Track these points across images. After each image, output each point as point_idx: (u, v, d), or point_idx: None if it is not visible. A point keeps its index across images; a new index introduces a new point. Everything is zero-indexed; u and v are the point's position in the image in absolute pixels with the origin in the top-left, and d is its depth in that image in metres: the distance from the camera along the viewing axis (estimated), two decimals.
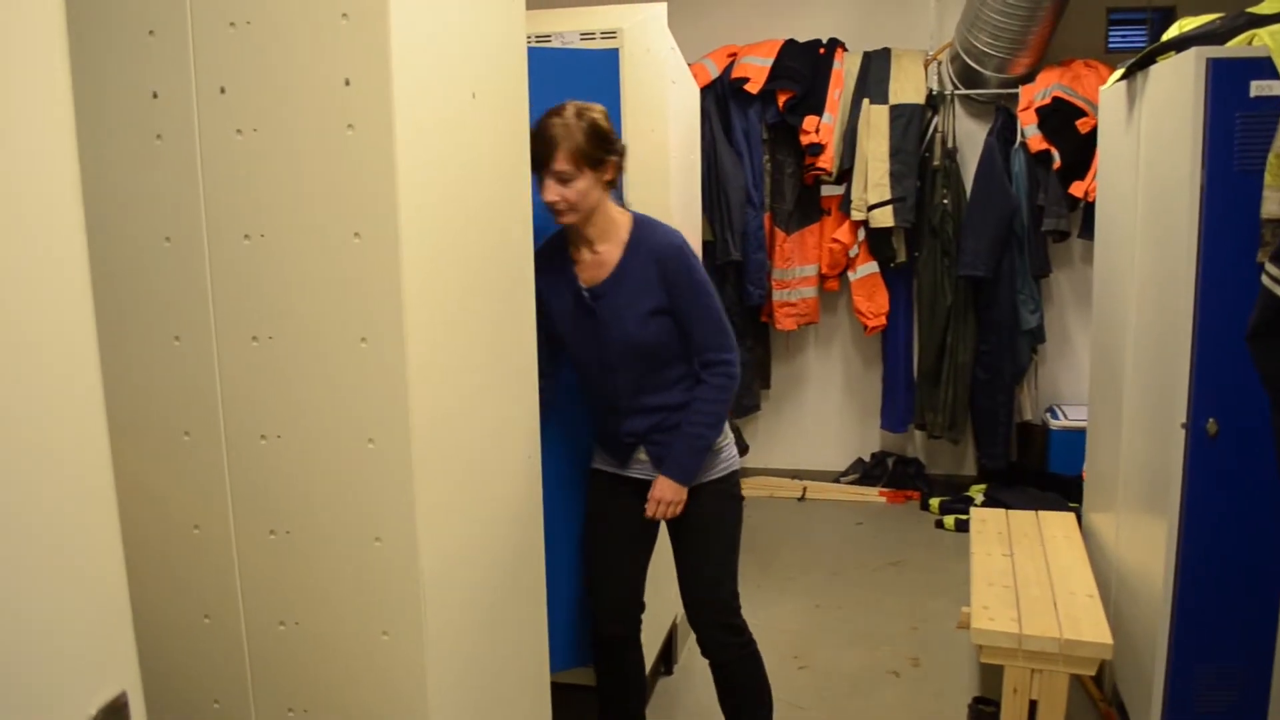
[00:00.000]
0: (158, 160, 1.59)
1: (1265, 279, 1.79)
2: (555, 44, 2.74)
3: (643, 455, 2.57)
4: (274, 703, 1.72)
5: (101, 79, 1.57)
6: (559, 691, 2.48)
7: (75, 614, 0.98)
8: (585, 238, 2.43)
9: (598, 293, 2.43)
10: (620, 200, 2.54)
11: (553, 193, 2.31)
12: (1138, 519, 3.04)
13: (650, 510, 2.50)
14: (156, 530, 1.71)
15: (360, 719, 1.69)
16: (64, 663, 0.96)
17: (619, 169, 2.43)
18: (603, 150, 2.33)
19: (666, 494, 2.48)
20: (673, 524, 2.63)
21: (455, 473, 1.75)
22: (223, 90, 1.55)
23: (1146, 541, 2.90)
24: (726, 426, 2.61)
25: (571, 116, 2.31)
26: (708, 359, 2.45)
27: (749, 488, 5.65)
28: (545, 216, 2.38)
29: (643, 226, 2.46)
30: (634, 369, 2.46)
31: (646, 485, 2.56)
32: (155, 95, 1.57)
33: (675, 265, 2.41)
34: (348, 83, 1.50)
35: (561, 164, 2.28)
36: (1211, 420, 2.59)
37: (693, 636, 2.84)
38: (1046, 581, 3.15)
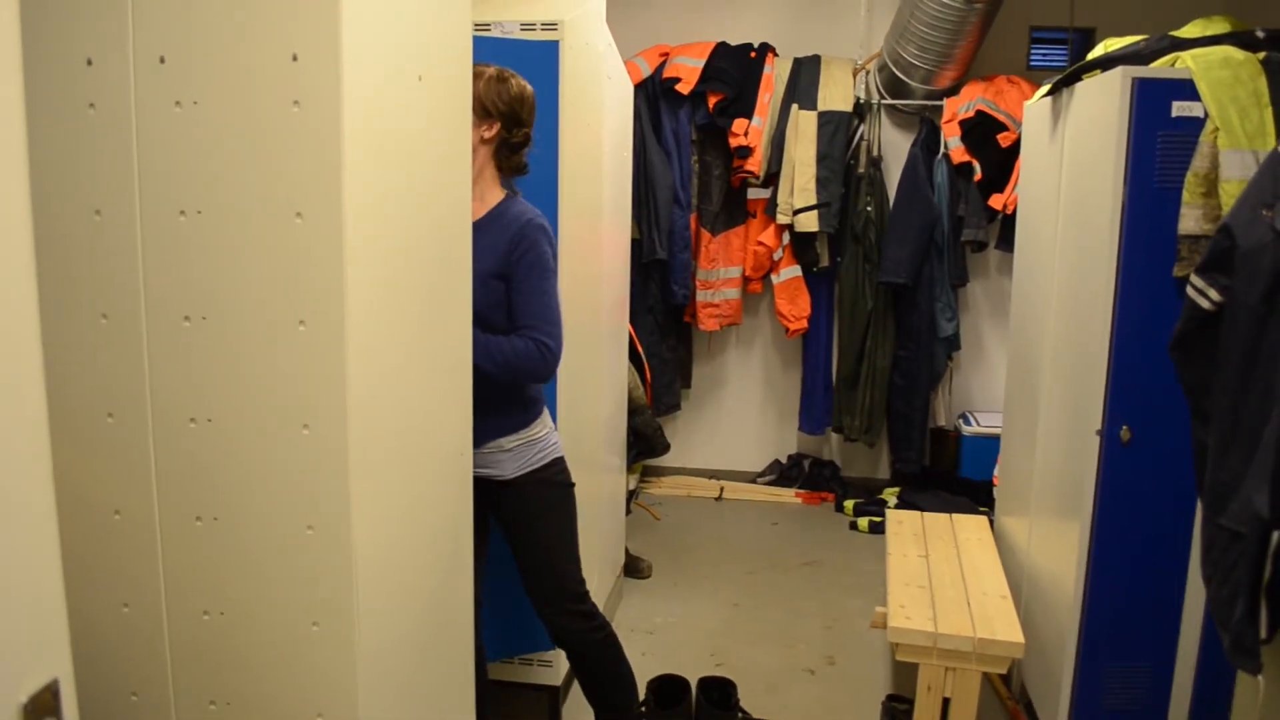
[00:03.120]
0: (90, 130, 1.52)
1: (1190, 290, 1.85)
2: (495, 33, 2.71)
3: None
4: (196, 695, 1.66)
5: (32, 43, 1.50)
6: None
7: (6, 598, 0.94)
8: None
9: None
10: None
11: None
12: (1050, 523, 3.12)
13: None
14: (74, 514, 1.63)
15: (287, 712, 1.64)
16: None
17: (509, 147, 2.45)
18: (492, 104, 2.39)
19: None
20: (501, 521, 2.62)
21: (390, 462, 1.72)
22: (162, 60, 1.49)
23: (1059, 545, 2.98)
24: (546, 417, 2.59)
25: (493, 69, 2.41)
26: (531, 334, 2.40)
27: (668, 486, 5.68)
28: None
29: (513, 200, 2.49)
30: None
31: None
32: (90, 62, 1.51)
33: (526, 235, 2.40)
34: (295, 58, 1.46)
35: None
36: (1125, 428, 2.67)
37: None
38: (960, 582, 3.22)
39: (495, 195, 2.47)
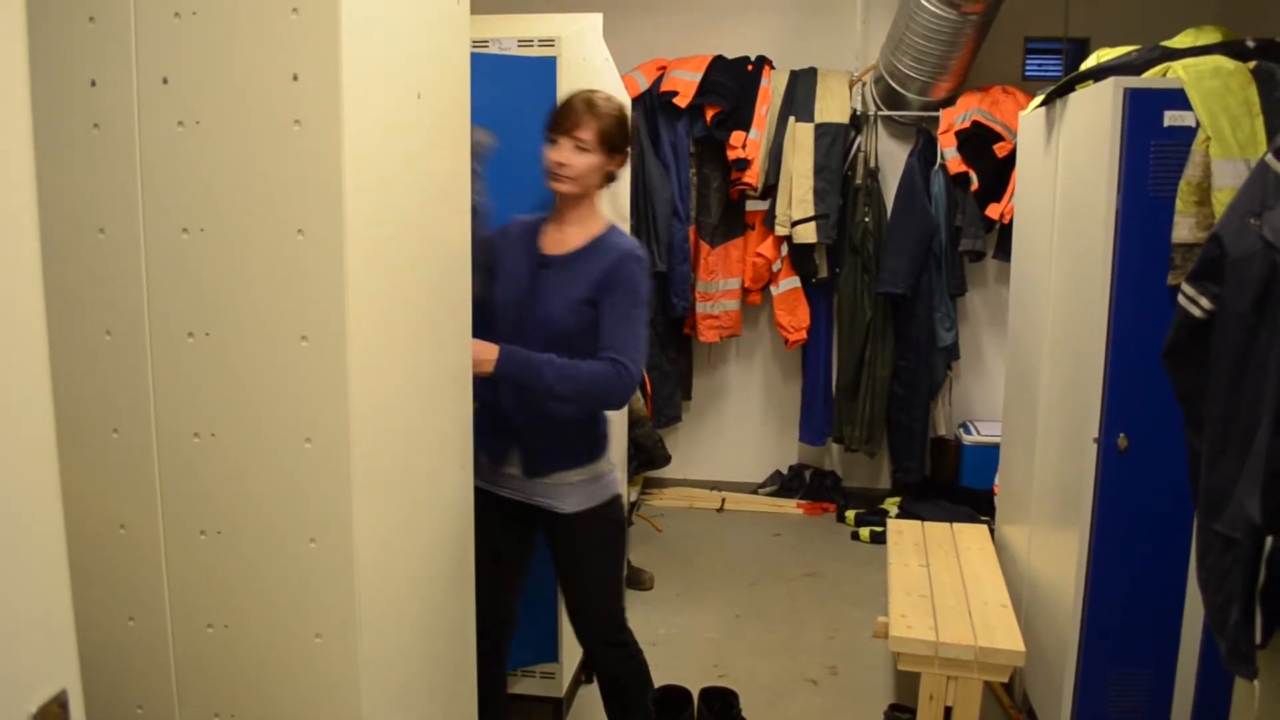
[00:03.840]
0: (94, 150, 1.55)
1: (1181, 298, 1.87)
2: (493, 50, 2.74)
3: (514, 465, 2.51)
4: (201, 707, 1.68)
5: (37, 65, 1.52)
6: None
7: (16, 610, 0.96)
8: (564, 216, 2.48)
9: (549, 262, 2.45)
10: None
11: (566, 155, 2.38)
12: (1050, 531, 3.14)
13: None
14: (80, 529, 1.64)
15: None
16: (3, 659, 0.94)
17: (616, 170, 2.52)
18: (621, 140, 2.44)
19: (480, 352, 2.30)
20: (555, 551, 2.62)
21: (392, 475, 1.74)
22: (165, 81, 1.52)
23: (1058, 553, 2.99)
24: (610, 457, 2.59)
25: (603, 100, 2.43)
26: (610, 355, 2.36)
27: (669, 498, 5.69)
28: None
29: (615, 230, 2.52)
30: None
31: (516, 507, 2.53)
32: (94, 83, 1.54)
33: (625, 266, 2.41)
34: (296, 78, 1.48)
35: (585, 133, 2.38)
36: (1122, 435, 2.69)
37: None
38: (961, 591, 3.23)
39: (597, 224, 2.49)
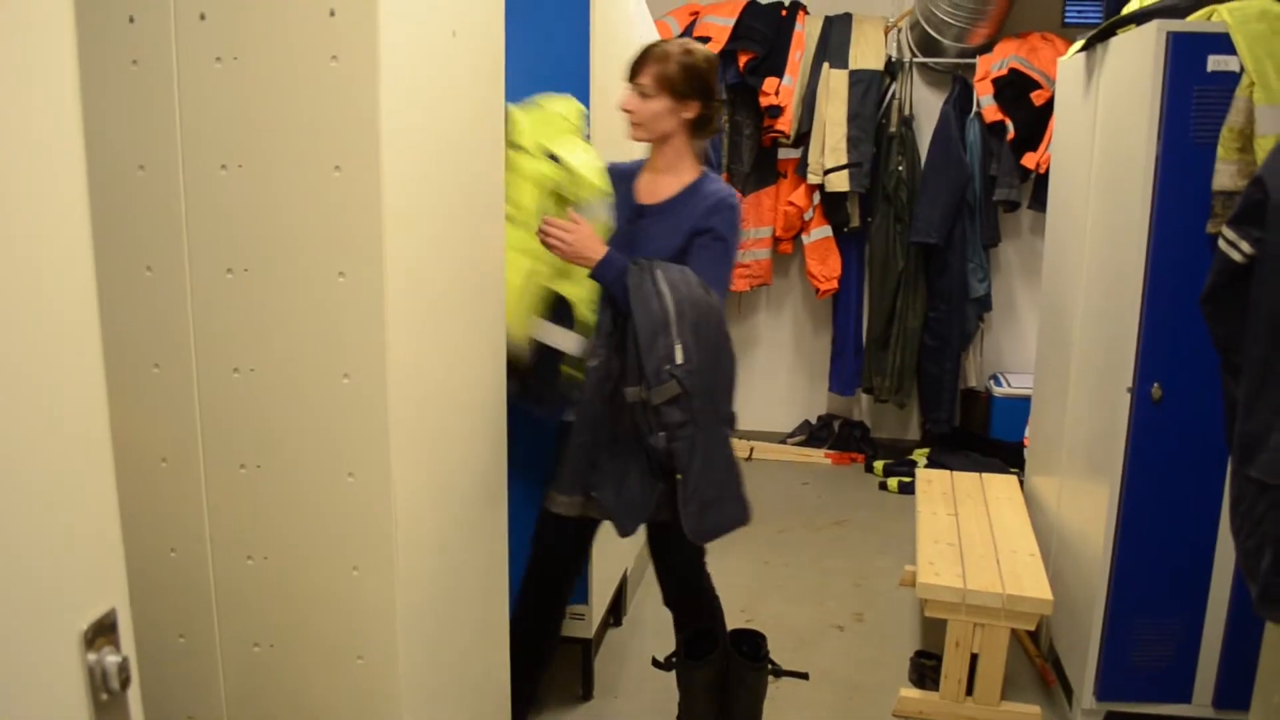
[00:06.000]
0: (133, 86, 1.56)
1: (1222, 243, 1.85)
2: None
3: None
4: (240, 637, 1.72)
5: (76, 1, 1.53)
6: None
7: (66, 530, 0.98)
8: (656, 164, 2.51)
9: (644, 211, 2.48)
10: (709, 166, 2.59)
11: (630, 101, 2.41)
12: (1080, 482, 3.13)
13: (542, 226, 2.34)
14: (122, 462, 1.68)
15: (328, 654, 1.69)
16: (54, 579, 0.97)
17: (706, 120, 2.48)
18: (688, 86, 2.39)
19: (585, 247, 2.32)
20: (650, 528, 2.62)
21: (428, 411, 1.76)
22: (203, 17, 1.52)
23: (1088, 503, 2.98)
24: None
25: (675, 47, 2.42)
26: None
27: None
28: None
29: (710, 178, 2.52)
30: None
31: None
32: (132, 19, 1.54)
33: (719, 213, 2.41)
34: (333, 13, 1.48)
35: (645, 79, 2.39)
36: (1156, 385, 2.67)
37: (642, 589, 2.88)
38: (989, 540, 3.24)
39: (691, 171, 2.50)
